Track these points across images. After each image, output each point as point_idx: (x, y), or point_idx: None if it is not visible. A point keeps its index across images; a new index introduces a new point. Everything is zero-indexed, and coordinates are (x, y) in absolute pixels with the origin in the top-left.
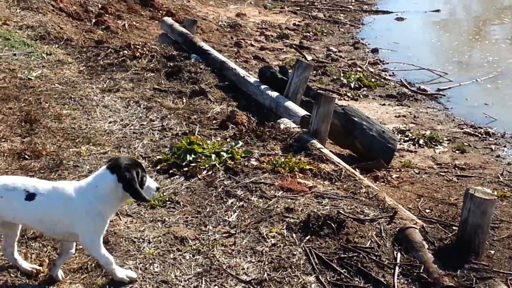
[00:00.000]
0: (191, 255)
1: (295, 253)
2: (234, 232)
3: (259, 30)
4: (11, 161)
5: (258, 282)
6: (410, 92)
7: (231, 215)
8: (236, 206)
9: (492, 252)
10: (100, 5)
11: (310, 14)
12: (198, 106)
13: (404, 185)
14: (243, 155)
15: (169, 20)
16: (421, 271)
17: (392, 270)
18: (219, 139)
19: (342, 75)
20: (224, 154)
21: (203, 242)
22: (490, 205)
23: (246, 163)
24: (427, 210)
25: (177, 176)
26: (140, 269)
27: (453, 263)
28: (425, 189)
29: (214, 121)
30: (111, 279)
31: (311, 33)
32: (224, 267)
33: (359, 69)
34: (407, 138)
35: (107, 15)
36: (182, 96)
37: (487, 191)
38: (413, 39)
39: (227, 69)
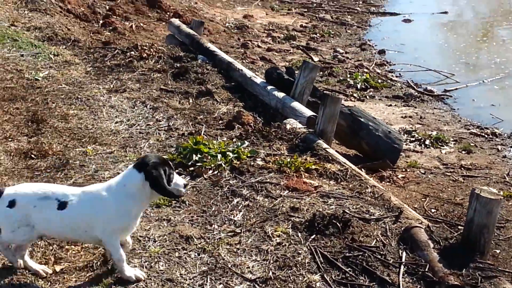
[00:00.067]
0: (196, 254)
1: (300, 252)
2: (239, 231)
3: (266, 31)
4: (18, 160)
5: (263, 280)
6: (416, 93)
7: (237, 214)
8: (241, 205)
9: (498, 251)
10: (107, 7)
11: (317, 15)
12: (204, 106)
13: (410, 185)
14: (249, 155)
15: (176, 21)
16: (426, 270)
17: (397, 269)
18: (225, 139)
19: (348, 76)
20: (230, 154)
21: (208, 241)
22: (496, 205)
23: (252, 163)
24: (433, 210)
25: (183, 176)
26: (146, 267)
27: (459, 262)
28: (431, 189)
29: (220, 121)
30: (117, 277)
31: (318, 34)
32: (229, 266)
33: (365, 70)
34: (413, 139)
35: (115, 17)
36: (189, 97)
37: (493, 191)
38: (420, 40)
39: (233, 70)
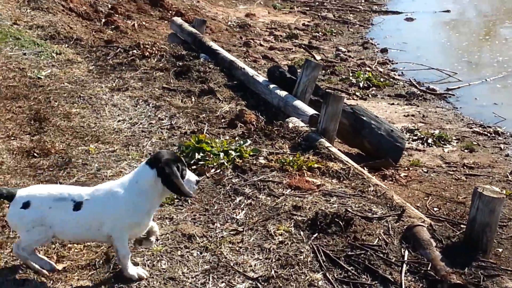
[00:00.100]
0: (198, 252)
1: (302, 250)
2: (241, 229)
3: (268, 30)
4: (20, 159)
5: (265, 279)
6: (419, 92)
7: (239, 213)
8: (244, 204)
9: (500, 250)
10: (110, 5)
11: (319, 14)
12: (206, 105)
13: (412, 184)
14: (251, 153)
15: (178, 20)
16: (428, 268)
17: (400, 268)
18: (227, 137)
19: (351, 74)
20: (233, 152)
21: (210, 239)
22: (499, 203)
23: (254, 162)
24: (435, 209)
25: None
26: (148, 265)
27: (461, 261)
28: (433, 188)
29: (222, 120)
30: (118, 276)
31: (320, 33)
32: (232, 264)
33: (368, 68)
34: (416, 137)
35: (117, 15)
36: (191, 95)
37: (496, 190)
38: (423, 39)
39: (236, 69)
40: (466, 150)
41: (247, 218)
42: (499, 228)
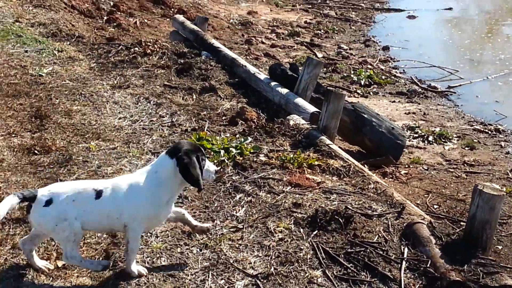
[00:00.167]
0: (198, 250)
1: (302, 247)
2: (241, 226)
3: (270, 27)
4: (21, 156)
5: (265, 276)
6: (420, 90)
7: (239, 210)
8: (244, 201)
9: (500, 247)
10: (112, 3)
11: (321, 12)
12: (208, 102)
13: (412, 181)
14: (252, 151)
15: (180, 17)
16: (428, 266)
17: (399, 265)
18: (228, 135)
19: (352, 72)
20: (233, 149)
21: (210, 236)
22: (499, 201)
23: (255, 159)
24: (435, 206)
25: None
26: (148, 263)
27: (460, 258)
28: (433, 185)
29: (223, 117)
30: (118, 272)
31: (322, 31)
32: (231, 261)
33: (369, 66)
34: (417, 135)
35: (119, 13)
36: (192, 93)
37: (496, 187)
38: (425, 37)
39: (237, 66)
40: (466, 148)
41: (247, 215)
42: (499, 225)
